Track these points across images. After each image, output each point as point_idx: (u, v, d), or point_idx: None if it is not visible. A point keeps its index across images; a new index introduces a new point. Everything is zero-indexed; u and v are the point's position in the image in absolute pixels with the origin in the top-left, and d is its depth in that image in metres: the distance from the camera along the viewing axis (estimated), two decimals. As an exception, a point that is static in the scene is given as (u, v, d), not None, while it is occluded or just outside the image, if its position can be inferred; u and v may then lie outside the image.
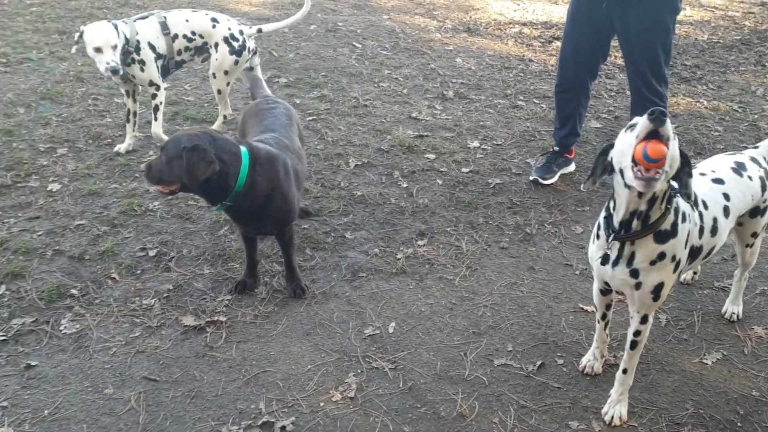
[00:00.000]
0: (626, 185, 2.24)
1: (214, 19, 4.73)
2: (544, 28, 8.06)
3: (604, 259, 2.49)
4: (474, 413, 2.76)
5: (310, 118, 5.39)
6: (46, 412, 2.70)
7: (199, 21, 4.70)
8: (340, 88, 6.01)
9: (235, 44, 4.71)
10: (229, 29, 4.73)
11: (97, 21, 4.43)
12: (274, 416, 2.71)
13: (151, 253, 3.70)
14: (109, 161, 4.63)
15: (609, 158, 2.35)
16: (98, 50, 4.22)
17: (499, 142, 5.14)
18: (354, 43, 7.20)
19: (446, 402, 2.81)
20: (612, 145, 2.34)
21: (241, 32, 4.76)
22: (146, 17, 4.63)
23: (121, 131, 5.03)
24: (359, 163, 4.71)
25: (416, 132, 5.22)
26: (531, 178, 4.54)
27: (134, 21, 4.55)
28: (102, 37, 4.21)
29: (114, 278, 3.50)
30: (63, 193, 4.22)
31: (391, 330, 3.19)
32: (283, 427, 2.65)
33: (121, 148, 4.76)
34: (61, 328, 3.15)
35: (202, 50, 4.80)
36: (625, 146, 2.21)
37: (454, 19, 8.32)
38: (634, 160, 2.14)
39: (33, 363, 2.93)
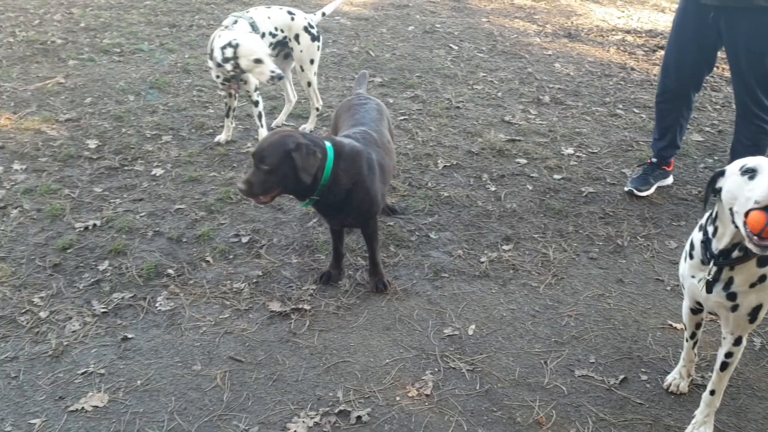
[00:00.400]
0: (734, 223, 2.14)
1: (290, 12, 4.88)
2: (648, 37, 7.78)
3: (700, 282, 2.41)
4: (551, 422, 2.71)
5: (402, 117, 5.44)
6: (138, 382, 2.86)
7: (279, 16, 4.82)
8: (433, 89, 6.03)
9: (314, 32, 4.86)
10: (305, 18, 4.87)
11: (224, 31, 4.44)
12: (350, 405, 2.76)
13: (244, 240, 3.85)
14: (210, 150, 4.84)
15: (718, 186, 2.25)
16: (258, 61, 4.24)
17: (595, 150, 5.01)
18: (450, 44, 7.20)
19: (523, 408, 2.78)
20: (722, 173, 2.23)
21: (313, 20, 4.94)
22: (236, 21, 4.66)
23: (222, 122, 5.24)
24: (448, 165, 4.71)
25: (508, 136, 5.16)
26: (626, 189, 4.41)
27: (233, 26, 4.59)
28: (261, 48, 4.26)
29: (208, 261, 3.66)
30: (165, 178, 4.45)
31: (470, 332, 3.18)
32: (359, 417, 2.70)
33: (220, 138, 4.95)
34: (157, 304, 3.32)
35: (283, 45, 4.91)
36: (739, 194, 2.09)
37: (555, 24, 8.16)
38: (749, 222, 2.03)
39: (129, 336, 3.11)
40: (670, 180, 4.55)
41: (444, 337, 3.15)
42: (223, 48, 4.27)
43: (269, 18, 4.79)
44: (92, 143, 4.83)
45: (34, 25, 7.36)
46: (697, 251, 2.39)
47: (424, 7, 8.58)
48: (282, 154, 2.95)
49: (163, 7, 8.20)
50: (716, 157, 5.02)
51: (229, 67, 4.31)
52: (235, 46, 4.23)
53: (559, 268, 3.68)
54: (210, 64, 4.54)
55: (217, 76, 4.56)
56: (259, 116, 4.82)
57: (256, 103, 4.78)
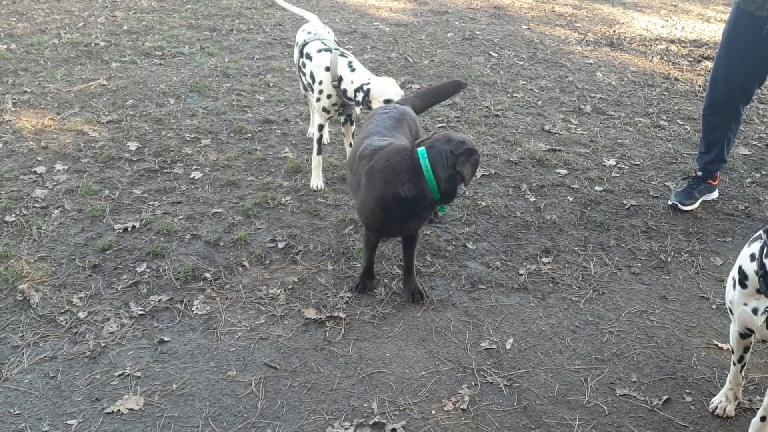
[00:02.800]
0: None
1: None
2: (693, 47, 7.61)
3: (762, 316, 2.32)
4: (591, 443, 2.64)
5: (440, 125, 5.40)
6: (174, 386, 2.86)
7: (322, 29, 4.74)
8: (472, 97, 5.97)
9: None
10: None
11: (321, 53, 4.27)
12: (385, 417, 2.72)
13: (280, 245, 3.84)
14: (248, 155, 4.85)
15: None
16: (389, 101, 4.03)
17: (637, 162, 4.90)
18: (490, 52, 7.14)
19: (562, 426, 2.71)
20: None
21: None
22: (349, 59, 4.36)
23: (260, 127, 5.26)
24: (486, 174, 4.65)
25: (548, 145, 5.08)
26: (670, 202, 4.30)
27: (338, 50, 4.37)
28: (393, 90, 4.07)
29: (245, 266, 3.65)
30: (204, 181, 4.47)
31: (508, 346, 3.12)
32: (393, 430, 2.66)
33: (314, 185, 4.49)
34: (193, 308, 3.33)
35: None
36: None
37: (597, 33, 8.04)
38: None
39: (165, 339, 3.12)
40: (715, 195, 4.43)
41: (481, 350, 3.09)
42: (357, 90, 4.11)
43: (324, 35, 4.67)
44: (133, 145, 4.88)
45: (78, 28, 7.50)
46: (752, 281, 2.31)
47: (463, 13, 8.53)
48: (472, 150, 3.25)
49: (204, 11, 8.29)
50: (763, 172, 4.88)
51: (358, 111, 4.38)
52: (366, 92, 4.05)
53: (600, 282, 3.59)
54: (327, 90, 4.27)
55: (333, 104, 4.30)
56: (319, 140, 4.45)
57: (321, 127, 4.44)
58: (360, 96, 4.10)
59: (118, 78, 6.12)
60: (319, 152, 4.43)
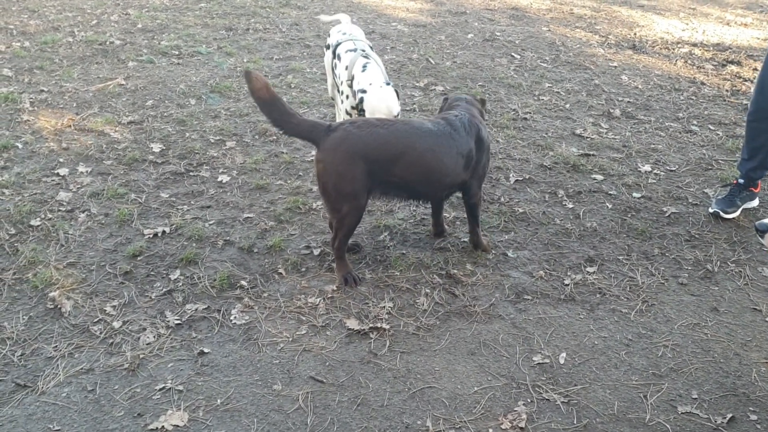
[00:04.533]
0: None
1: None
2: (716, 50, 7.52)
3: None
4: (659, 464, 2.53)
5: (468, 128, 5.28)
6: (218, 401, 2.75)
7: (356, 30, 4.68)
8: (498, 99, 5.87)
9: None
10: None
11: (378, 89, 3.92)
12: (441, 436, 2.61)
13: (315, 252, 3.73)
14: (275, 158, 4.74)
15: None
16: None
17: (673, 168, 4.80)
18: (512, 53, 7.03)
19: (625, 447, 2.60)
20: None
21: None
22: (364, 47, 4.29)
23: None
24: (520, 179, 4.55)
25: (581, 150, 4.98)
26: (711, 210, 4.19)
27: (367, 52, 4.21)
28: (386, 106, 3.85)
29: (281, 273, 3.54)
30: (232, 185, 4.36)
31: (561, 360, 3.01)
32: (451, 450, 2.55)
33: None
34: (231, 318, 3.21)
35: None
36: None
37: (618, 35, 7.94)
38: None
39: (206, 350, 3.00)
40: (756, 202, 4.33)
41: (534, 365, 2.98)
42: (356, 93, 3.99)
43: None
44: (156, 147, 4.76)
45: (92, 26, 7.38)
46: None
47: (481, 14, 8.43)
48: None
49: (218, 10, 8.18)
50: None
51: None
52: (360, 100, 3.92)
53: (648, 293, 3.49)
54: (346, 90, 4.19)
55: (353, 107, 4.15)
56: None
57: None
58: (356, 101, 3.96)
59: (136, 77, 6.00)
60: None
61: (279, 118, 3.34)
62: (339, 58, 4.35)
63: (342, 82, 4.24)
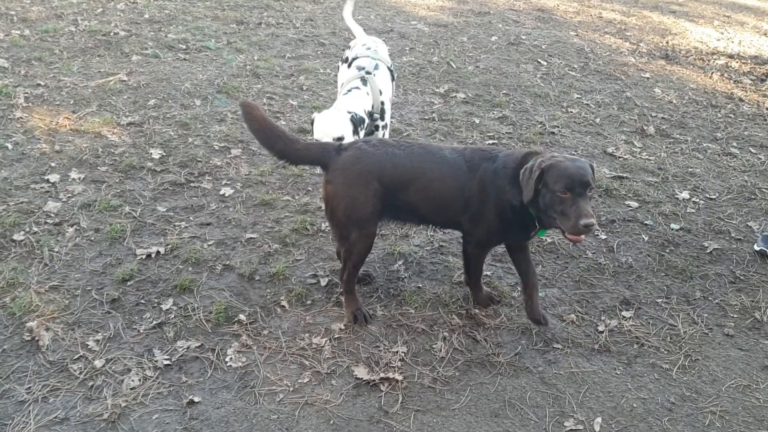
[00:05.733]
0: None
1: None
2: (754, 63, 7.10)
3: None
4: None
5: (491, 141, 4.92)
6: (207, 464, 2.41)
7: (384, 48, 4.31)
8: (523, 110, 5.49)
9: None
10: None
11: (330, 111, 3.62)
12: None
13: (322, 282, 3.39)
14: (282, 169, 4.39)
15: None
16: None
17: (713, 196, 4.42)
18: (539, 59, 6.64)
19: None
20: None
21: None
22: (376, 63, 3.91)
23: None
24: (548, 203, 4.18)
25: (613, 171, 4.61)
26: (757, 248, 3.83)
27: (373, 75, 3.82)
28: (326, 131, 3.52)
29: (283, 306, 3.21)
30: (235, 199, 4.02)
31: (597, 428, 2.66)
32: None
33: None
34: (227, 359, 2.88)
35: None
36: None
37: (649, 43, 7.53)
38: None
39: (196, 399, 2.67)
40: (807, 239, 3.95)
41: (566, 432, 2.64)
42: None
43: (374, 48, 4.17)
44: (156, 153, 4.42)
45: (96, 14, 7.03)
46: None
47: (506, 15, 8.03)
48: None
49: (229, 2, 7.81)
50: None
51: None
52: (312, 121, 3.61)
53: (691, 345, 3.13)
54: None
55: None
56: None
57: None
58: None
59: (139, 73, 5.65)
60: None
61: (283, 149, 3.07)
62: (349, 69, 4.00)
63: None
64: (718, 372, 2.99)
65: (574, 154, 4.81)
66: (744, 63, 7.10)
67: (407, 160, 2.96)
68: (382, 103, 3.82)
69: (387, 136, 3.97)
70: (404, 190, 2.97)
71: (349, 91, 3.74)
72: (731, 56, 7.28)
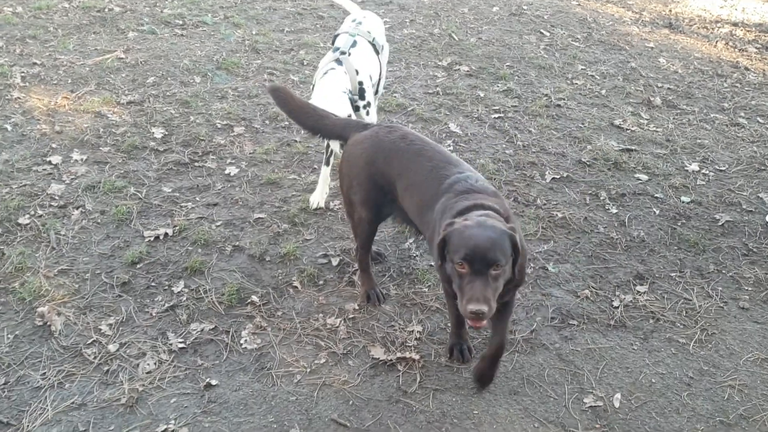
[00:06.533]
0: None
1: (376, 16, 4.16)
2: (758, 31, 7.02)
3: None
4: None
5: (496, 115, 4.86)
6: (228, 447, 2.40)
7: (373, 22, 4.02)
8: (527, 82, 5.42)
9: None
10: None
11: (337, 63, 3.54)
12: (484, 500, 2.27)
13: (334, 262, 3.36)
14: (287, 147, 4.33)
15: None
16: None
17: (722, 168, 4.39)
18: (541, 30, 6.54)
19: None
20: None
21: None
22: (354, 40, 3.69)
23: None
24: (557, 177, 4.15)
25: (621, 144, 4.56)
26: (768, 219, 3.81)
27: (348, 54, 3.61)
28: (335, 102, 3.35)
29: (296, 287, 3.18)
30: (241, 178, 3.96)
31: (617, 404, 2.66)
32: None
33: (313, 202, 3.74)
34: (242, 341, 2.86)
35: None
36: None
37: (652, 11, 7.43)
38: None
39: (213, 382, 2.65)
40: (817, 210, 3.93)
41: (585, 408, 2.63)
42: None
43: (370, 27, 3.90)
44: (158, 132, 4.35)
45: (90, -10, 6.86)
46: None
47: (507, -15, 7.89)
48: (510, 242, 2.24)
49: (225, -26, 7.63)
50: None
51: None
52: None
53: (707, 319, 3.12)
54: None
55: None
56: (326, 147, 3.70)
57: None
58: None
59: (136, 50, 5.54)
60: (326, 162, 3.70)
61: (314, 125, 3.02)
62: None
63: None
64: (735, 345, 2.99)
65: (581, 127, 4.75)
66: (748, 31, 7.01)
67: (402, 155, 2.75)
68: (360, 83, 3.56)
69: (373, 114, 3.74)
70: (394, 184, 2.77)
71: (325, 73, 3.52)
72: (735, 24, 7.19)
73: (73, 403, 2.54)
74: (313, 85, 3.62)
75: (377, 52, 3.84)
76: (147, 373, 2.68)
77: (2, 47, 5.37)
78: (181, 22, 6.19)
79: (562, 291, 3.24)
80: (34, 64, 5.15)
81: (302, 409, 2.57)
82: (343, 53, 3.60)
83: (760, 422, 2.62)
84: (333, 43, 3.85)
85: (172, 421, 2.48)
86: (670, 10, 7.52)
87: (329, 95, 3.39)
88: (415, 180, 2.68)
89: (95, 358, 2.73)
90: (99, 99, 4.70)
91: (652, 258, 3.50)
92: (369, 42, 3.79)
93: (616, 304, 3.17)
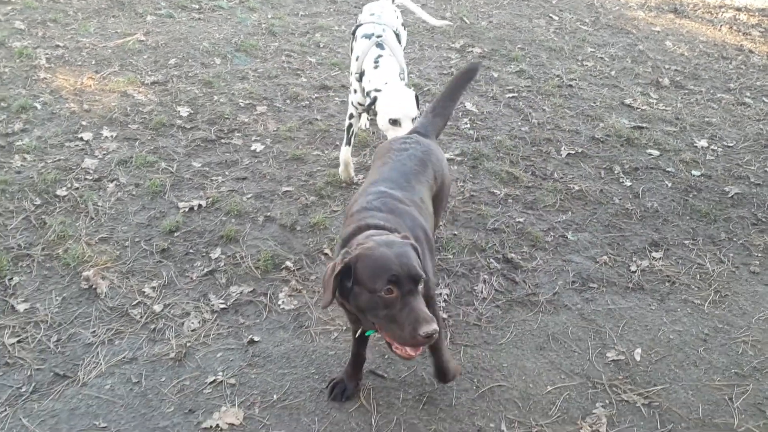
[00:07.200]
0: None
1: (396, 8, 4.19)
2: (762, 16, 7.17)
3: None
4: (755, 478, 2.36)
5: (510, 95, 5.00)
6: (274, 396, 2.55)
7: (390, 13, 4.02)
8: (539, 64, 5.56)
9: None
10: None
11: (378, 61, 3.52)
12: (517, 442, 2.43)
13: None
14: (309, 125, 4.47)
15: None
16: (395, 123, 3.31)
17: (730, 144, 4.54)
18: (550, 14, 6.68)
19: (715, 456, 2.42)
20: None
21: None
22: (382, 28, 3.67)
23: (317, 93, 4.87)
24: (572, 152, 4.29)
25: (633, 122, 4.71)
26: (776, 191, 3.96)
27: (383, 38, 3.62)
28: (403, 109, 3.31)
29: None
30: (267, 154, 4.10)
31: (637, 357, 2.81)
32: (530, 457, 2.37)
33: (345, 178, 3.84)
34: (279, 302, 3.00)
35: None
36: None
37: (657, -4, 7.58)
38: None
39: (256, 338, 2.80)
40: (822, 183, 4.09)
41: (608, 362, 2.79)
42: (367, 94, 3.51)
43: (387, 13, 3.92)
44: (183, 111, 4.48)
45: (105, -25, 6.97)
46: None
47: (514, -29, 8.02)
48: (416, 252, 2.08)
49: (236, -39, 7.74)
50: None
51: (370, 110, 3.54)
52: (374, 100, 3.41)
53: (720, 282, 3.28)
54: (354, 84, 3.67)
55: (360, 104, 3.67)
56: (348, 128, 3.76)
57: (350, 116, 3.77)
58: (368, 101, 3.46)
59: (156, 33, 5.67)
60: (347, 143, 3.76)
61: None
62: (355, 41, 3.80)
63: (351, 73, 3.73)
64: (747, 306, 3.15)
65: (593, 106, 4.90)
66: (752, 15, 7.16)
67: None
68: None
69: None
70: None
71: (377, 63, 3.52)
72: (739, 9, 7.34)
73: (124, 357, 2.68)
74: (358, 73, 3.59)
75: (398, 42, 3.88)
76: (192, 330, 2.83)
77: (24, 30, 5.49)
78: (197, 6, 6.31)
79: (581, 257, 3.39)
80: (57, 46, 5.27)
81: (341, 362, 2.71)
82: (379, 36, 3.61)
83: (772, 374, 2.78)
84: (353, 35, 3.84)
85: (220, 373, 2.63)
86: (675, -4, 7.67)
87: (403, 93, 3.34)
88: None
89: (141, 317, 2.87)
90: (124, 79, 4.82)
91: (665, 227, 3.66)
92: (393, 31, 3.83)
93: (633, 268, 3.32)
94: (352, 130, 3.75)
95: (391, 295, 1.93)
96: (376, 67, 3.52)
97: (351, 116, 3.72)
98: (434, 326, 1.91)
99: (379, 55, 3.56)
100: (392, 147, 2.73)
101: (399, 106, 3.29)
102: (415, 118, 3.32)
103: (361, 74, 3.57)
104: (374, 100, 3.40)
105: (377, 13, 3.91)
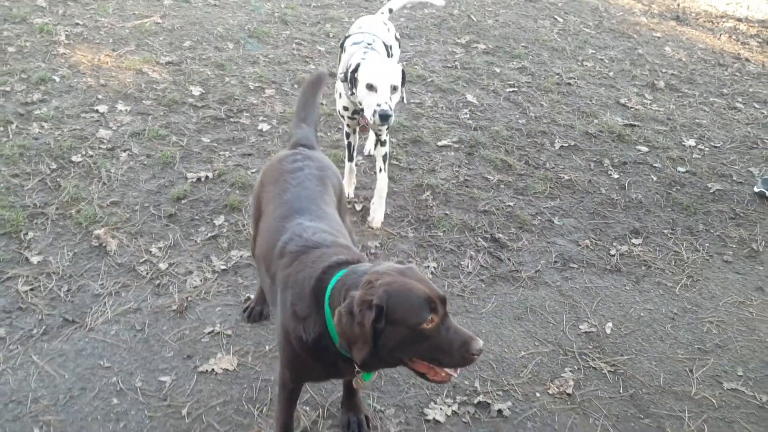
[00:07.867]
0: None
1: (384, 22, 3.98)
2: (761, 27, 7.34)
3: None
4: (706, 439, 2.54)
5: (510, 89, 5.20)
6: (267, 347, 2.76)
7: (379, 27, 3.82)
8: (541, 62, 5.75)
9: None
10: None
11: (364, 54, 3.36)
12: (489, 397, 2.62)
13: (358, 208, 3.70)
14: (315, 108, 4.66)
15: None
16: (371, 87, 3.15)
17: (717, 144, 4.72)
18: (555, 16, 6.87)
19: (672, 418, 2.61)
20: None
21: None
22: (372, 38, 3.55)
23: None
24: (565, 145, 4.48)
25: (626, 120, 4.90)
26: (756, 189, 4.14)
27: (373, 48, 3.48)
28: (383, 75, 3.16)
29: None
30: (272, 134, 4.30)
31: (608, 330, 3.00)
32: (499, 411, 2.56)
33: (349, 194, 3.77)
34: (276, 267, 3.20)
35: None
36: None
37: (661, 4, 7.75)
38: None
39: (252, 296, 2.99)
40: (802, 184, 4.25)
41: (580, 333, 2.98)
42: (351, 70, 3.30)
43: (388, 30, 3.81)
44: (196, 90, 4.69)
45: (125, -39, 7.20)
46: None
47: (522, -26, 8.22)
48: None
49: (253, -48, 7.96)
50: None
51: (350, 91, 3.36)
52: (356, 67, 3.25)
53: (693, 268, 3.47)
54: (340, 87, 3.49)
55: (345, 108, 3.50)
56: (385, 158, 3.61)
57: (383, 143, 3.58)
58: (349, 72, 3.28)
59: (172, 17, 5.88)
60: (349, 158, 3.74)
61: (300, 120, 2.84)
62: (344, 51, 3.59)
63: (338, 79, 3.52)
64: (716, 290, 3.33)
65: (589, 104, 5.08)
66: (751, 26, 7.34)
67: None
68: None
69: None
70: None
71: (365, 56, 3.31)
72: (739, 20, 7.51)
73: (129, 307, 2.89)
74: (344, 72, 3.39)
75: (389, 55, 3.71)
76: (194, 287, 3.03)
77: (46, 8, 5.71)
78: (212, -6, 6.52)
79: (565, 240, 3.58)
80: (77, 24, 5.49)
81: (331, 322, 2.91)
82: (369, 44, 3.49)
83: (732, 351, 2.96)
84: (342, 47, 3.67)
85: (218, 325, 2.83)
86: (678, 4, 7.84)
87: (387, 62, 3.29)
88: (263, 227, 2.37)
89: (147, 273, 3.08)
90: (140, 58, 5.04)
91: (647, 217, 3.85)
92: (383, 42, 3.67)
93: (612, 252, 3.51)
94: (352, 146, 3.69)
95: (432, 324, 1.80)
96: (363, 59, 3.30)
97: (347, 135, 3.64)
98: (481, 341, 1.84)
99: (368, 51, 3.38)
100: (284, 168, 2.48)
101: (379, 69, 3.15)
102: (398, 91, 3.20)
103: (347, 72, 3.33)
104: (357, 66, 3.22)
105: (367, 25, 3.80)
